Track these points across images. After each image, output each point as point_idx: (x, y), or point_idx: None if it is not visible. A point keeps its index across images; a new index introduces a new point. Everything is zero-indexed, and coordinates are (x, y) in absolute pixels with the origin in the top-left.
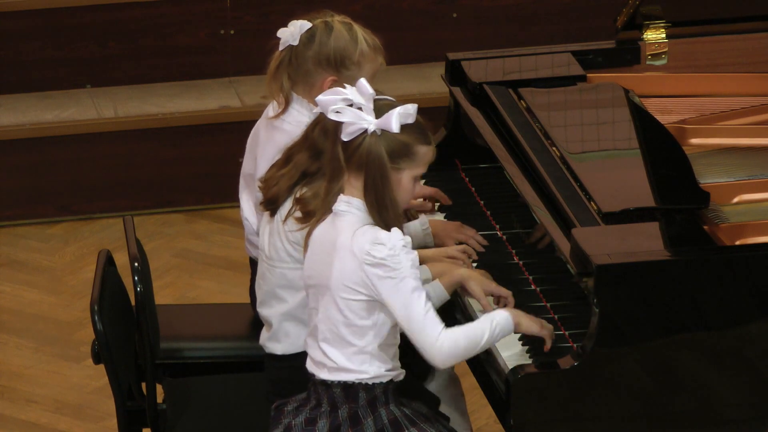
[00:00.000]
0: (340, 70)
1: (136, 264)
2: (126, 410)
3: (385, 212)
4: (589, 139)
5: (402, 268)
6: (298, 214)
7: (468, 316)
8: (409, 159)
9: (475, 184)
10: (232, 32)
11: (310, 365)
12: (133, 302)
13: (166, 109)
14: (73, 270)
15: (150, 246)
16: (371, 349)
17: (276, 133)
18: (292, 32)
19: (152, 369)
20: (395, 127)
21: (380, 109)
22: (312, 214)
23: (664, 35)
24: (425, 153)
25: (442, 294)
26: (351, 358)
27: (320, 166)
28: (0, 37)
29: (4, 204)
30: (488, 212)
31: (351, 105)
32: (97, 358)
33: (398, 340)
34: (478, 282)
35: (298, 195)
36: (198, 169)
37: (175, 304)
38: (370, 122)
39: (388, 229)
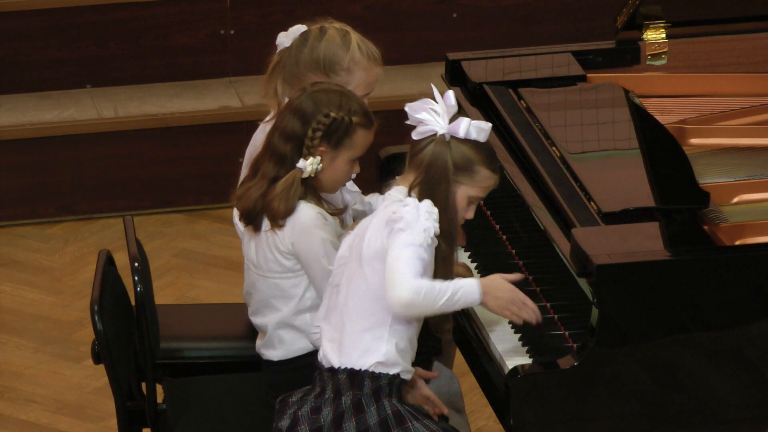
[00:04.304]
0: (329, 74)
1: (136, 264)
2: (126, 410)
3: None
4: (589, 139)
5: (416, 225)
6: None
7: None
8: (468, 176)
9: None
10: (232, 32)
11: (320, 352)
12: (133, 302)
13: (166, 109)
14: (73, 270)
15: (150, 246)
16: (390, 323)
17: None
18: (288, 35)
19: (152, 369)
20: (462, 133)
21: (455, 118)
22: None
23: (664, 35)
24: (486, 177)
25: None
26: (369, 331)
27: (287, 171)
28: (0, 37)
29: (4, 204)
30: (488, 212)
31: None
32: (97, 358)
33: (417, 324)
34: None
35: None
36: (198, 169)
37: (175, 304)
38: (441, 126)
39: None
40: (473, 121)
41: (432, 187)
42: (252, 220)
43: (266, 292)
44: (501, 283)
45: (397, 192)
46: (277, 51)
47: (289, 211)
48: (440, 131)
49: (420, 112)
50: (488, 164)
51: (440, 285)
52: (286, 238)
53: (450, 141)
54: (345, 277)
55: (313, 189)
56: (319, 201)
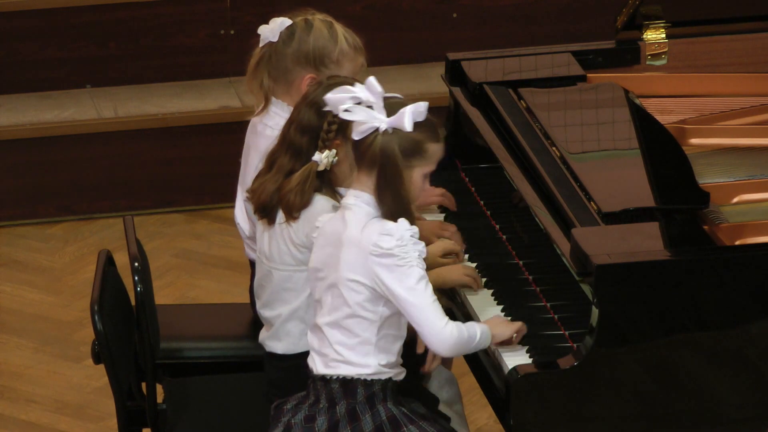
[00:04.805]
0: (319, 68)
1: (136, 264)
2: (126, 410)
3: (396, 208)
4: (589, 139)
5: (409, 257)
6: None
7: (467, 314)
8: (421, 157)
9: (475, 184)
10: (232, 32)
11: (310, 360)
12: (133, 302)
13: (166, 109)
14: (73, 270)
15: (150, 246)
16: (375, 341)
17: (259, 139)
18: (272, 29)
19: (152, 369)
20: (408, 126)
21: (391, 107)
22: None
23: (664, 35)
24: (436, 151)
25: None
26: (355, 349)
27: (303, 164)
28: (0, 37)
29: (4, 204)
30: (488, 212)
31: (359, 103)
32: (97, 358)
33: (404, 334)
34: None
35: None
36: (198, 169)
37: (175, 304)
38: (382, 121)
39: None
40: (411, 107)
41: (392, 182)
42: (267, 214)
43: (279, 285)
44: (499, 324)
45: (355, 198)
46: (260, 45)
47: (305, 204)
48: (382, 126)
49: (357, 113)
50: (434, 138)
51: (472, 326)
52: (300, 231)
53: (393, 131)
54: (325, 295)
55: (328, 182)
56: (334, 194)
